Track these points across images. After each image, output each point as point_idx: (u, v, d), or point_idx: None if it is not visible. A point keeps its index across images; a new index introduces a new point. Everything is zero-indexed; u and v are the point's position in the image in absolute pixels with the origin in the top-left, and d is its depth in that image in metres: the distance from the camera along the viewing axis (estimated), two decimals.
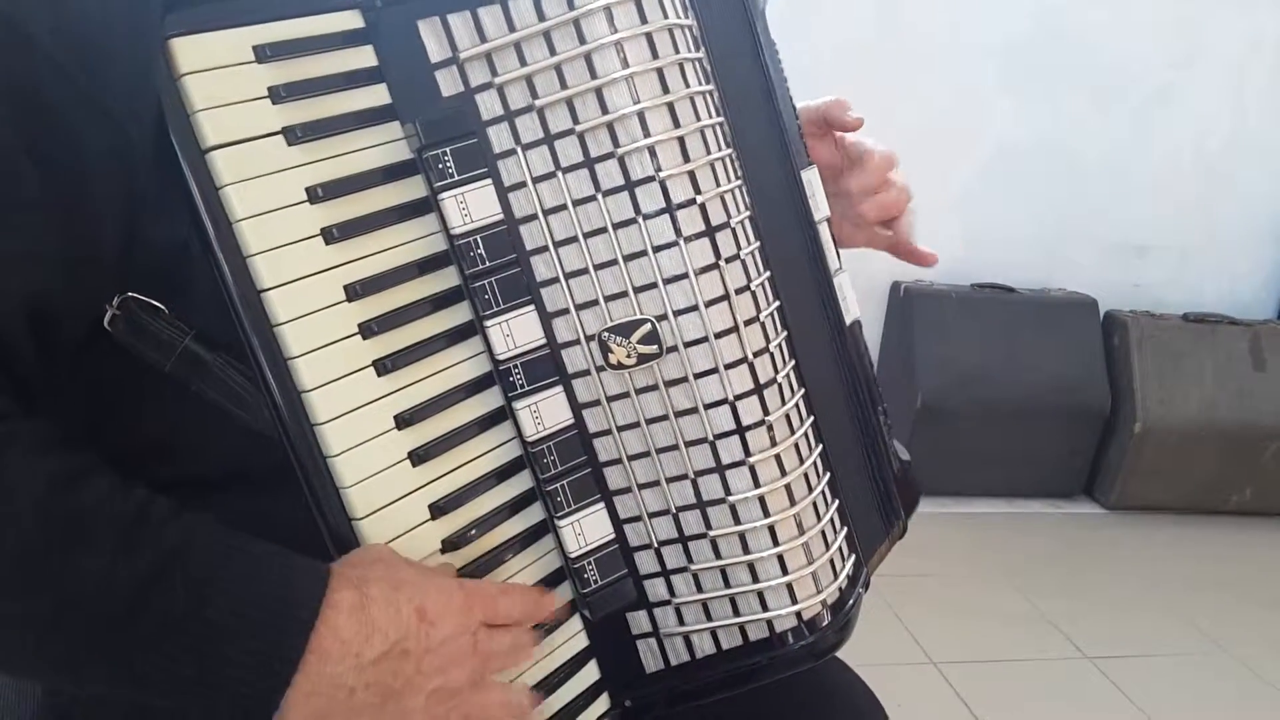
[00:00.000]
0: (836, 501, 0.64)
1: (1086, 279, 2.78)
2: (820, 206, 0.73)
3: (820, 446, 0.64)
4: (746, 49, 0.69)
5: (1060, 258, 2.81)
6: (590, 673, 0.64)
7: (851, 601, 0.64)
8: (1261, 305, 2.96)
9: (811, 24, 2.42)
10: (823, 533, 0.62)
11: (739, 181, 0.60)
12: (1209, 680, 2.02)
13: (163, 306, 0.54)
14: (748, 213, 0.61)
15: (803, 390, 0.63)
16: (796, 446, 0.61)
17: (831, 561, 0.63)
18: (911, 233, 0.88)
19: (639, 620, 0.63)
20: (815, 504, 0.62)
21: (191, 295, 0.55)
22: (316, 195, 0.55)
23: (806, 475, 0.62)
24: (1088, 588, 2.32)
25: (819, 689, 0.76)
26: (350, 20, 0.56)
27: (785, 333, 0.62)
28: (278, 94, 0.54)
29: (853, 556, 0.65)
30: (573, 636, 0.63)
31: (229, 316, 0.54)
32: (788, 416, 0.61)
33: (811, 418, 0.63)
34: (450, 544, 0.58)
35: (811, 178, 0.73)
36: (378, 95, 0.57)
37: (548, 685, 0.62)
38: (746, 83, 0.68)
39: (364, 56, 0.57)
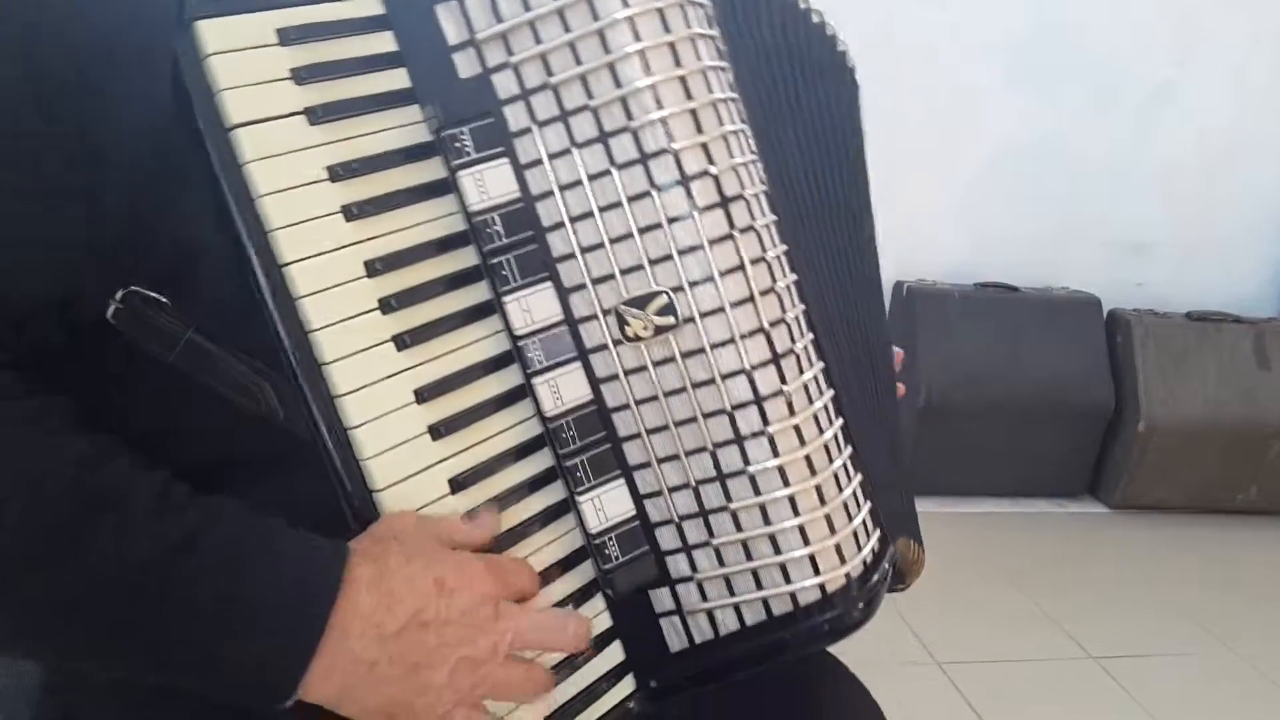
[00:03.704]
0: (859, 476, 0.64)
1: (1090, 278, 2.77)
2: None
3: (841, 420, 0.63)
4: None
5: (1063, 256, 2.80)
6: (614, 654, 0.64)
7: (877, 577, 0.64)
8: (1265, 303, 2.93)
9: None
10: (845, 505, 0.62)
11: (753, 156, 0.61)
12: (1214, 680, 1.99)
13: (165, 300, 0.55)
14: (763, 187, 0.61)
15: (822, 364, 0.63)
16: (816, 418, 0.61)
17: (855, 534, 0.62)
18: None
19: (661, 598, 0.63)
20: (836, 475, 0.62)
21: (195, 300, 0.56)
22: (337, 174, 0.56)
23: (826, 447, 0.61)
24: (1092, 587, 2.30)
25: (820, 700, 0.74)
26: (371, 6, 0.58)
27: (803, 306, 0.62)
28: (300, 76, 0.55)
29: (877, 532, 0.65)
30: (596, 616, 0.63)
31: (233, 320, 0.55)
32: (806, 387, 0.61)
33: (831, 391, 0.63)
34: (471, 518, 0.59)
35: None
36: (398, 79, 0.59)
37: (571, 665, 0.62)
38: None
39: (384, 42, 0.58)
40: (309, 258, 0.55)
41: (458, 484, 0.59)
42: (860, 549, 0.63)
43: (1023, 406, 2.57)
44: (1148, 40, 2.70)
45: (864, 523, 0.63)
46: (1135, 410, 2.60)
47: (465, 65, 0.58)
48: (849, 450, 0.64)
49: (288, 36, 0.55)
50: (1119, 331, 2.69)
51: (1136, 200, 2.82)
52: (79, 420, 0.53)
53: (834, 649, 0.74)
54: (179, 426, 0.59)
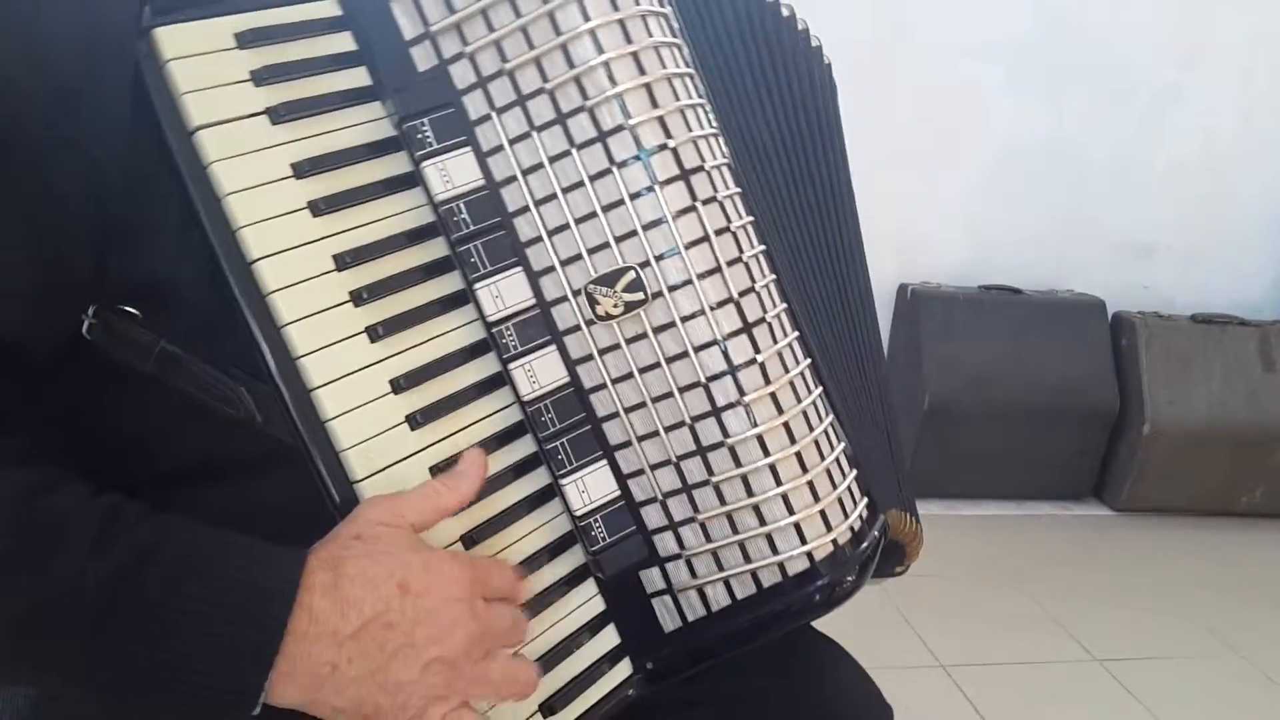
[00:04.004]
0: (843, 443, 0.64)
1: (1094, 280, 2.76)
2: None
3: (820, 388, 0.63)
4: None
5: (1068, 259, 2.78)
6: (609, 637, 0.64)
7: (866, 543, 0.63)
8: (1270, 305, 2.91)
9: (815, 24, 2.49)
10: (828, 471, 0.62)
11: (713, 130, 0.61)
12: (1220, 683, 1.96)
13: (136, 313, 0.56)
14: (725, 160, 0.61)
15: (797, 332, 0.63)
16: (793, 385, 0.61)
17: (840, 501, 0.62)
18: None
19: (652, 578, 0.63)
20: (818, 442, 0.61)
21: (171, 315, 0.56)
22: (302, 170, 0.57)
23: (806, 413, 0.61)
24: (1096, 590, 2.27)
25: (828, 694, 0.73)
26: (328, 9, 0.59)
27: (774, 275, 0.62)
28: (260, 77, 0.56)
29: (864, 499, 0.64)
30: (589, 600, 0.63)
31: (210, 341, 0.55)
32: (780, 355, 0.61)
33: (809, 359, 0.63)
34: None
35: None
36: (359, 77, 0.60)
37: (565, 649, 0.62)
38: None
39: (343, 41, 0.60)
40: (277, 253, 0.56)
41: (439, 472, 0.59)
42: (847, 515, 0.62)
43: (1027, 409, 2.55)
44: (1154, 42, 2.67)
45: (850, 489, 0.63)
46: (1140, 413, 2.58)
47: (422, 58, 0.59)
48: (831, 417, 0.63)
49: (246, 39, 0.56)
50: (1124, 334, 2.67)
51: (1141, 202, 2.79)
52: (33, 456, 0.53)
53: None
54: (162, 432, 0.60)
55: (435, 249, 0.61)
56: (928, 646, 1.94)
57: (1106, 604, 2.20)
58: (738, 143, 0.67)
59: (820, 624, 0.74)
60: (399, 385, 0.58)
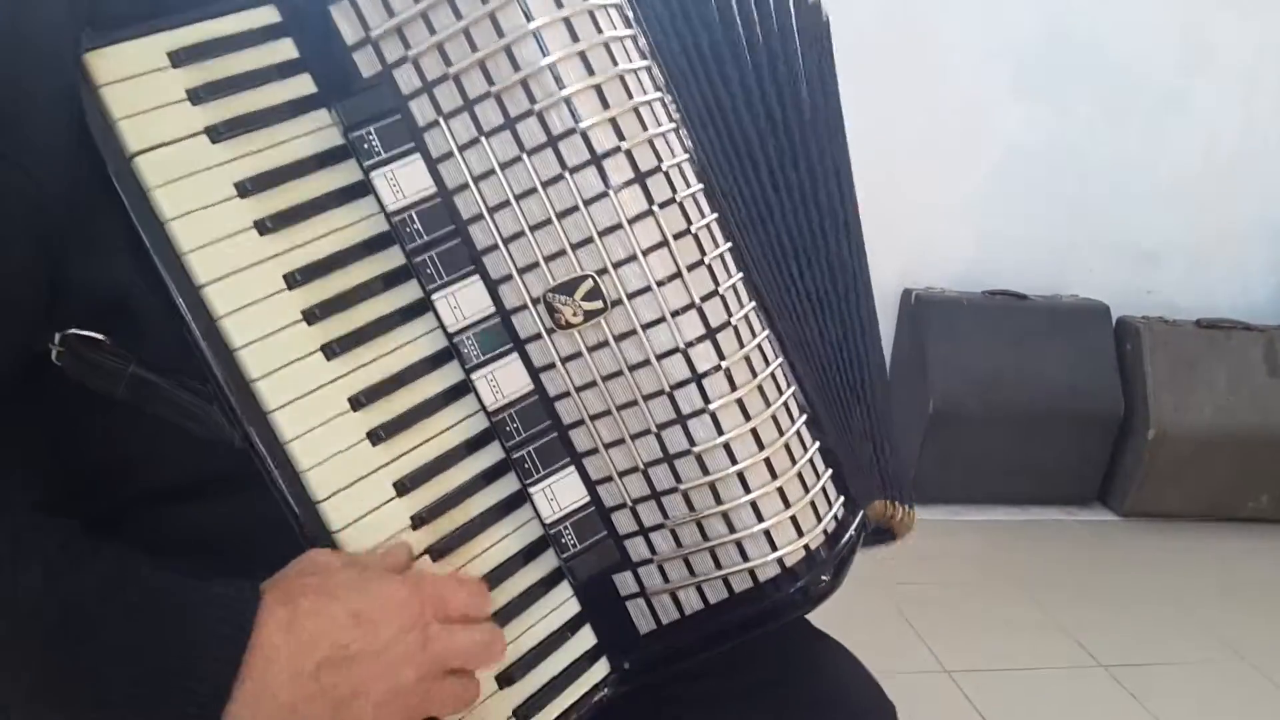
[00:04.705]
0: (816, 443, 0.62)
1: (1098, 285, 2.73)
2: None
3: (792, 388, 0.61)
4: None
5: (1072, 264, 2.76)
6: (586, 638, 0.64)
7: (843, 543, 0.62)
8: (1275, 310, 2.86)
9: None
10: (800, 476, 0.60)
11: (672, 125, 0.59)
12: (1225, 688, 1.95)
13: (103, 337, 0.55)
14: (684, 156, 0.59)
15: (766, 332, 0.61)
16: (761, 389, 0.59)
17: (814, 504, 0.61)
18: None
19: (625, 581, 0.62)
20: (789, 445, 0.60)
21: (138, 337, 0.55)
22: (245, 189, 0.56)
23: (775, 417, 0.60)
24: (1102, 595, 2.27)
25: (829, 690, 0.72)
26: (267, 16, 0.57)
27: (740, 274, 0.60)
28: (196, 95, 0.55)
29: (840, 499, 0.63)
30: (564, 603, 0.63)
31: (179, 347, 0.54)
32: (748, 359, 0.59)
33: (780, 359, 0.61)
34: (420, 519, 0.59)
35: None
36: (302, 85, 0.58)
37: (543, 651, 0.62)
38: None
39: (284, 50, 0.58)
40: (224, 277, 0.55)
41: (402, 486, 0.58)
42: (820, 519, 0.61)
43: (1032, 414, 2.54)
44: (1158, 48, 2.65)
45: (824, 491, 0.62)
46: (1145, 418, 2.56)
47: (366, 64, 0.57)
48: (804, 417, 0.62)
49: (179, 58, 0.55)
50: (1128, 339, 2.64)
51: (1145, 207, 2.77)
52: None
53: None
54: (144, 452, 0.60)
55: (391, 258, 0.59)
56: (932, 651, 1.94)
57: (1111, 609, 2.20)
58: (708, 120, 0.64)
59: (824, 628, 0.74)
60: (358, 401, 0.58)
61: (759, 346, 0.60)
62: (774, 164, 0.69)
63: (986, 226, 2.71)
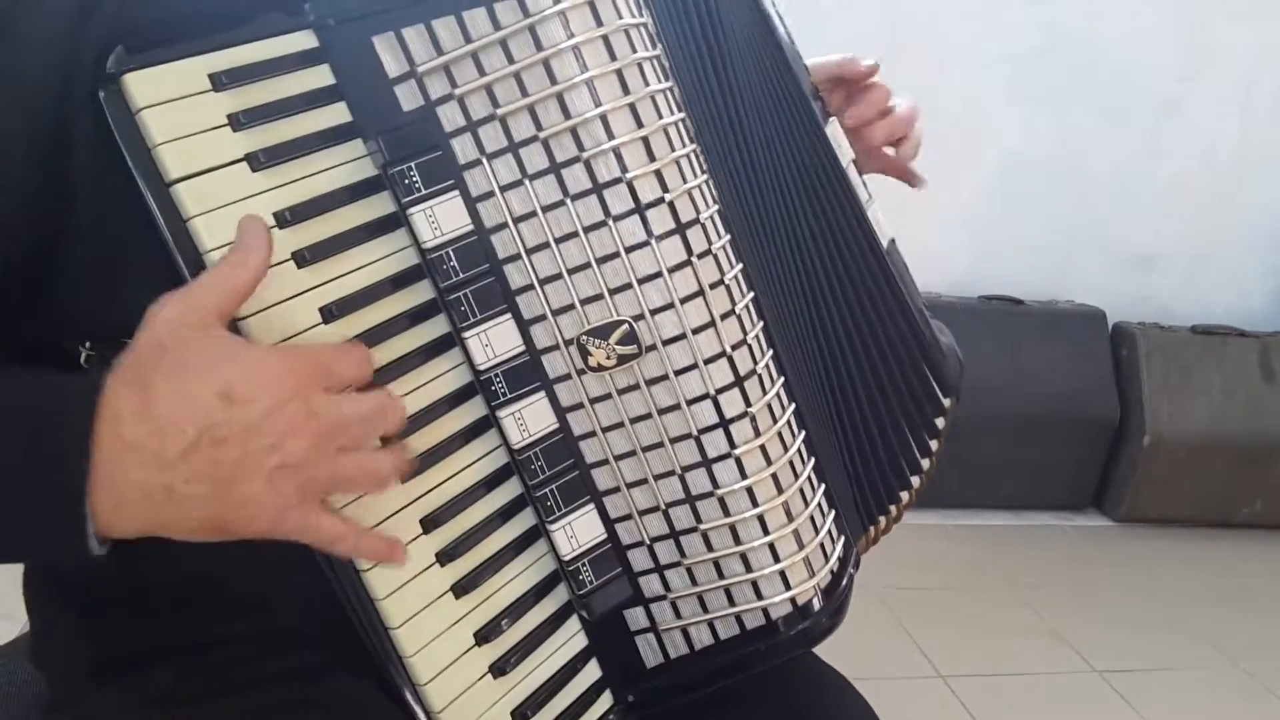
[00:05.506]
0: (823, 486, 0.65)
1: (1095, 291, 2.77)
2: (845, 152, 0.81)
3: (804, 433, 0.64)
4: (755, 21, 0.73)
5: (1068, 270, 2.80)
6: (591, 672, 0.65)
7: (845, 583, 0.65)
8: (1271, 317, 2.93)
9: (819, 35, 2.49)
10: (811, 518, 0.63)
11: (705, 176, 0.61)
12: (1219, 694, 2.00)
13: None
14: (716, 207, 0.61)
15: (783, 379, 0.63)
16: (780, 435, 0.62)
17: (822, 545, 0.64)
18: (915, 152, 1.03)
19: (636, 617, 0.64)
20: (802, 490, 0.63)
21: (125, 298, 0.52)
22: (285, 219, 0.54)
23: (792, 462, 0.62)
24: (1096, 601, 2.31)
25: (813, 700, 0.75)
26: (304, 41, 0.56)
27: (762, 322, 0.62)
28: (238, 121, 0.53)
29: (842, 539, 0.66)
30: (572, 637, 0.64)
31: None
32: (770, 406, 0.61)
33: (794, 405, 0.64)
34: (445, 555, 0.59)
35: (834, 131, 0.79)
36: (338, 114, 0.57)
37: (550, 688, 0.63)
38: (760, 56, 0.73)
39: (321, 76, 0.56)
40: (263, 310, 0.54)
41: (430, 522, 0.58)
42: (827, 559, 0.64)
43: (1027, 419, 2.55)
44: (1155, 54, 2.68)
45: (829, 532, 0.65)
46: (1140, 423, 2.59)
47: (407, 98, 0.57)
48: (813, 460, 0.65)
49: (220, 81, 0.53)
50: (1124, 345, 2.67)
51: (1142, 214, 2.80)
52: None
53: (837, 660, 0.76)
54: None
55: (420, 293, 0.59)
56: (927, 657, 1.95)
57: (1106, 615, 2.23)
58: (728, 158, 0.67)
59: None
60: (386, 439, 0.57)
61: (778, 393, 0.62)
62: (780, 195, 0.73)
63: (983, 232, 2.72)
